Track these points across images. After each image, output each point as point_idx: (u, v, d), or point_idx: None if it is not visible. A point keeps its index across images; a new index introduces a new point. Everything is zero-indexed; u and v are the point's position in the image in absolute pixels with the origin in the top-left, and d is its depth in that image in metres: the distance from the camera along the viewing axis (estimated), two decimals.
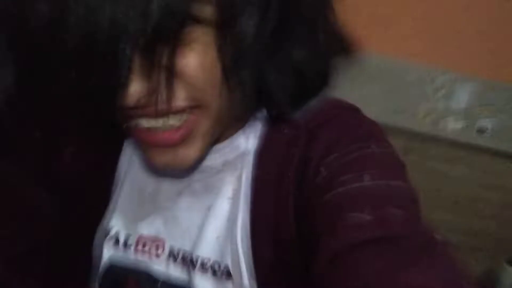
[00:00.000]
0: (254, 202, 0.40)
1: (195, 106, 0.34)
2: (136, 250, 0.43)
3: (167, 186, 0.44)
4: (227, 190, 0.42)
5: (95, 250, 0.44)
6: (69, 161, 0.44)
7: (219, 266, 0.40)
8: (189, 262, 0.41)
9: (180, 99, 0.32)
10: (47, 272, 0.43)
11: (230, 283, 0.39)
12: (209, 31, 0.31)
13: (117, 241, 0.44)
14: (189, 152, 0.36)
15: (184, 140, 0.35)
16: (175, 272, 0.42)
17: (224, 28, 0.31)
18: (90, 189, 0.45)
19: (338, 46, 0.41)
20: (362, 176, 0.36)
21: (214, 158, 0.43)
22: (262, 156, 0.41)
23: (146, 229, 0.43)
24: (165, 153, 0.36)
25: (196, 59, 0.31)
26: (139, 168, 0.46)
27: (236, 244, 0.40)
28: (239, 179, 0.42)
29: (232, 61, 0.33)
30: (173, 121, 0.34)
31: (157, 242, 0.43)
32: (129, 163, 0.46)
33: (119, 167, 0.46)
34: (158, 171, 0.45)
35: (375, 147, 0.39)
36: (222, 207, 0.42)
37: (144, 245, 0.43)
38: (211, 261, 0.40)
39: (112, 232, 0.44)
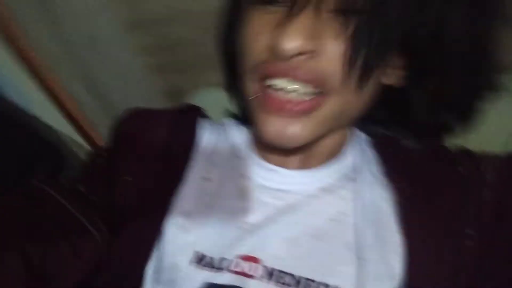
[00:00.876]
0: (405, 223, 0.40)
1: (322, 90, 0.37)
2: (228, 270, 0.39)
3: (259, 211, 0.43)
4: (331, 212, 0.42)
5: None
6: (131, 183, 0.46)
7: (327, 287, 0.38)
8: (288, 281, 0.38)
9: (317, 72, 0.36)
10: None
11: None
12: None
13: (210, 265, 0.40)
14: (301, 130, 0.38)
15: (302, 114, 0.38)
16: None
17: (373, 20, 0.35)
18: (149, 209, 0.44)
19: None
20: None
21: (314, 183, 0.44)
22: (397, 175, 0.43)
23: (239, 248, 0.40)
24: (280, 122, 0.38)
25: (341, 46, 0.35)
26: (228, 192, 0.45)
27: (356, 266, 0.38)
28: (345, 199, 0.43)
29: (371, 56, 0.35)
30: (301, 93, 0.37)
31: (250, 261, 0.40)
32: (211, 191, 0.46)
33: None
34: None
35: None
36: (325, 228, 0.41)
37: (236, 265, 0.40)
38: (316, 280, 0.38)
39: (207, 259, 0.41)
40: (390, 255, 0.38)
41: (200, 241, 0.41)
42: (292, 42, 0.34)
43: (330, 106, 0.38)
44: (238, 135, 0.51)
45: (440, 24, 0.37)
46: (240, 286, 0.37)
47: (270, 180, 0.45)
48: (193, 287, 0.38)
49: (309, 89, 0.37)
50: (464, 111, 0.46)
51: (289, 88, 0.37)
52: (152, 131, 0.49)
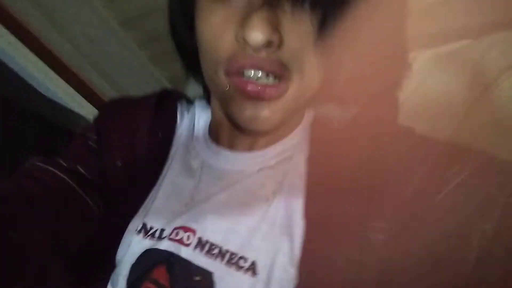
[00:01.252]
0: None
1: (286, 78, 0.40)
2: (169, 239, 0.44)
3: (205, 185, 0.48)
4: (265, 192, 0.46)
5: (123, 245, 0.47)
6: (120, 168, 0.52)
7: (245, 261, 0.41)
8: (217, 253, 0.43)
9: (282, 62, 0.39)
10: (75, 266, 0.47)
11: (250, 278, 0.41)
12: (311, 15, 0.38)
13: (152, 235, 0.46)
14: (271, 114, 0.42)
15: (271, 100, 0.41)
16: (200, 261, 0.43)
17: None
18: (133, 190, 0.50)
19: None
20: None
21: (255, 164, 0.48)
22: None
23: (180, 221, 0.46)
24: (254, 108, 0.41)
25: (309, 28, 0.39)
26: (180, 171, 0.50)
27: (275, 243, 0.41)
28: (281, 183, 0.46)
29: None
30: (271, 79, 0.40)
31: (188, 232, 0.45)
32: (169, 168, 0.51)
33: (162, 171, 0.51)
34: (195, 171, 0.50)
35: None
36: (258, 206, 0.45)
37: (176, 234, 0.45)
38: (238, 255, 0.42)
39: (147, 228, 0.47)
40: (295, 238, 0.41)
41: (149, 213, 0.48)
42: (260, 34, 0.36)
43: (293, 91, 0.42)
44: (202, 118, 0.56)
45: None
46: (175, 252, 0.43)
47: (217, 161, 0.50)
48: (136, 254, 0.45)
49: (275, 77, 0.40)
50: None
51: (259, 77, 0.40)
52: (137, 119, 0.55)
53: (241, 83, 0.41)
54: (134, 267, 0.45)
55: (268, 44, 0.37)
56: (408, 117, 0.53)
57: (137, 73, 1.00)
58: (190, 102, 0.61)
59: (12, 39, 0.91)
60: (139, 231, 0.47)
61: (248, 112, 0.42)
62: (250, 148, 0.50)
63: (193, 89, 0.64)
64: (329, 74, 0.42)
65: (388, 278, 0.38)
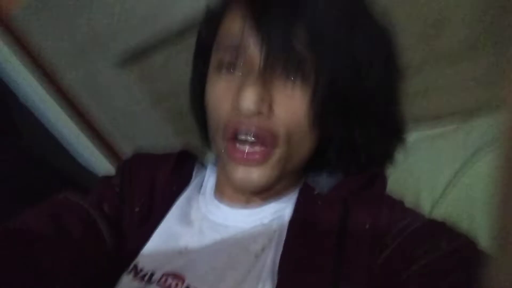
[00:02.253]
0: (282, 262, 0.45)
1: (273, 143, 0.46)
2: (158, 284, 0.47)
3: (202, 236, 0.52)
4: (256, 248, 0.49)
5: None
6: (138, 213, 0.57)
7: None
8: None
9: (270, 129, 0.45)
10: None
11: None
12: (307, 86, 0.45)
13: (141, 277, 0.49)
14: (260, 175, 0.47)
15: (259, 163, 0.46)
16: None
17: (320, 83, 0.45)
18: (140, 234, 0.55)
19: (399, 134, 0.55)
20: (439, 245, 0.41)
21: (251, 221, 0.52)
22: (295, 224, 0.49)
23: (171, 267, 0.49)
24: (244, 171, 0.46)
25: (299, 101, 0.45)
26: (177, 220, 0.55)
27: None
28: (271, 240, 0.49)
29: (323, 112, 0.46)
30: (257, 148, 0.46)
31: (177, 280, 0.47)
32: (167, 216, 0.56)
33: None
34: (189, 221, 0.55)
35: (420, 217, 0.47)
36: (246, 261, 0.48)
37: (165, 281, 0.47)
38: None
39: (138, 269, 0.50)
40: None
41: (141, 255, 0.51)
42: (251, 105, 0.43)
43: (278, 156, 0.47)
44: (211, 179, 0.61)
45: (370, 87, 0.48)
46: None
47: (215, 215, 0.54)
48: None
49: (262, 143, 0.45)
50: (380, 158, 0.55)
51: (249, 140, 0.45)
52: (158, 171, 0.62)
53: (231, 149, 0.46)
54: None
55: (258, 113, 0.44)
56: (391, 191, 0.57)
57: (163, 145, 1.11)
58: (203, 165, 0.68)
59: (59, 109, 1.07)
60: (129, 272, 0.50)
61: (239, 175, 0.47)
62: (247, 205, 0.54)
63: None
64: None
65: None
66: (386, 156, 0.56)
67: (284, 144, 0.47)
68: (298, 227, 0.48)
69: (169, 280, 0.47)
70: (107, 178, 0.63)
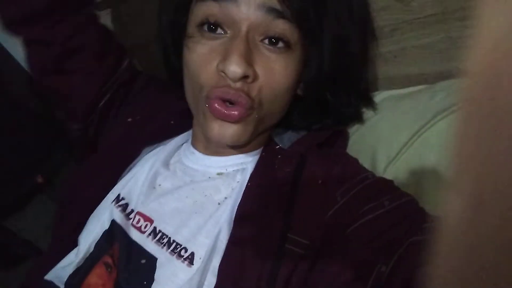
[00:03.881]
0: (238, 212, 0.49)
1: (253, 105, 0.49)
2: (132, 224, 0.54)
3: (173, 177, 0.57)
4: (219, 196, 0.53)
5: (102, 208, 0.56)
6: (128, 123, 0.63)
7: (186, 251, 0.49)
8: (165, 242, 0.50)
9: (256, 89, 0.48)
10: None
11: (187, 268, 0.48)
12: (295, 54, 0.49)
13: (123, 209, 0.55)
14: (236, 132, 0.50)
15: (236, 122, 0.49)
16: (149, 247, 0.51)
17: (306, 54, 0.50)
18: (121, 154, 0.61)
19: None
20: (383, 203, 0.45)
21: (217, 167, 0.56)
22: (255, 176, 0.53)
23: (144, 208, 0.54)
24: (221, 127, 0.49)
25: (282, 69, 0.49)
26: (161, 162, 0.59)
27: (215, 241, 0.48)
28: (234, 190, 0.53)
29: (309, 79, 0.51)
30: (237, 107, 0.48)
31: (147, 221, 0.53)
32: (153, 155, 0.60)
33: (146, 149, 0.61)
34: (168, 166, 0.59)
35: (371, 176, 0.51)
36: (209, 208, 0.52)
37: (138, 221, 0.53)
38: (181, 246, 0.50)
39: (122, 202, 0.56)
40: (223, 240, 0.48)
41: (126, 187, 0.57)
42: (238, 68, 0.44)
43: (254, 116, 0.50)
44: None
45: (346, 48, 0.52)
46: (132, 236, 0.52)
47: (188, 158, 0.59)
48: (105, 219, 0.54)
49: (243, 104, 0.48)
50: (348, 120, 0.58)
51: (231, 101, 0.48)
52: (166, 101, 0.67)
53: (212, 108, 0.48)
54: (105, 234, 0.54)
55: (244, 77, 0.46)
56: (351, 150, 0.60)
57: None
58: None
59: None
60: (113, 201, 0.56)
61: (215, 130, 0.50)
62: (216, 153, 0.58)
63: None
64: None
65: None
66: (353, 118, 0.59)
67: (261, 106, 0.50)
68: (258, 180, 0.52)
69: (141, 222, 0.53)
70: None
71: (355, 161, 0.55)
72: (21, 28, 0.61)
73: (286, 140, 0.57)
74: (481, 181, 0.14)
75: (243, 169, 0.56)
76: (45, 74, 0.64)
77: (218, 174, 0.56)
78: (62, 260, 0.54)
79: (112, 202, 0.56)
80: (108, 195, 0.57)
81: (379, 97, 0.65)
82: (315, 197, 0.48)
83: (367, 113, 0.62)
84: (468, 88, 0.14)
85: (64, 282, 0.51)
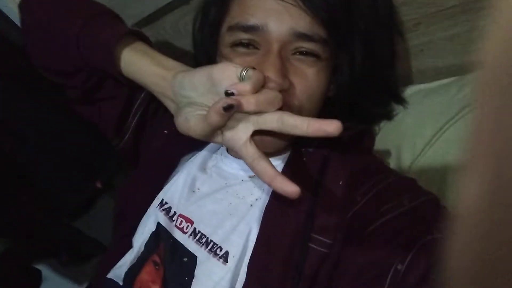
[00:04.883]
0: (265, 213, 0.52)
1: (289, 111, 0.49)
2: (175, 225, 0.58)
3: (211, 181, 0.61)
4: (251, 198, 0.56)
5: (150, 213, 0.61)
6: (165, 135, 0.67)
7: (221, 250, 0.53)
8: (204, 242, 0.55)
9: (291, 99, 0.51)
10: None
11: (222, 265, 0.51)
12: (326, 62, 0.52)
13: (166, 213, 0.60)
14: (273, 142, 0.51)
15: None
16: (190, 246, 0.55)
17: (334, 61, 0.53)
18: (163, 163, 0.66)
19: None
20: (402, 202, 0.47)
21: (248, 170, 0.57)
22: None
23: (185, 210, 0.58)
24: (259, 138, 0.48)
25: (313, 76, 0.51)
26: (198, 167, 0.63)
27: (246, 240, 0.52)
28: (264, 191, 0.56)
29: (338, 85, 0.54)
30: None
31: (188, 223, 0.58)
32: (190, 161, 0.65)
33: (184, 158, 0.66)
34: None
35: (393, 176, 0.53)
36: (242, 210, 0.56)
37: (180, 223, 0.58)
38: (217, 246, 0.53)
39: (166, 206, 0.61)
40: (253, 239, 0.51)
41: (168, 193, 0.62)
42: (275, 83, 0.46)
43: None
44: None
45: (375, 53, 0.54)
46: (175, 236, 0.57)
47: (223, 162, 0.62)
48: (152, 222, 0.60)
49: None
50: (377, 118, 0.60)
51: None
52: None
53: None
54: (152, 235, 0.59)
55: (280, 90, 0.47)
56: (376, 147, 0.62)
57: None
58: None
59: None
60: (157, 205, 0.61)
61: (257, 141, 0.49)
62: None
63: None
64: None
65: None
66: (383, 117, 0.60)
67: (299, 113, 0.51)
68: None
69: (183, 223, 0.58)
70: None
71: (379, 160, 0.57)
72: (45, 73, 0.66)
73: (312, 140, 0.60)
74: (500, 164, 0.14)
75: None
76: (73, 104, 0.69)
77: (250, 177, 0.60)
78: (120, 260, 0.61)
79: (157, 207, 0.61)
80: (154, 201, 0.63)
81: (407, 92, 0.66)
82: (337, 198, 0.51)
83: (395, 110, 0.63)
84: (487, 72, 0.14)
85: (122, 280, 0.59)
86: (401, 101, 0.63)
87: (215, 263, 0.53)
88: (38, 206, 0.85)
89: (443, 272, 0.18)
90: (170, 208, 0.61)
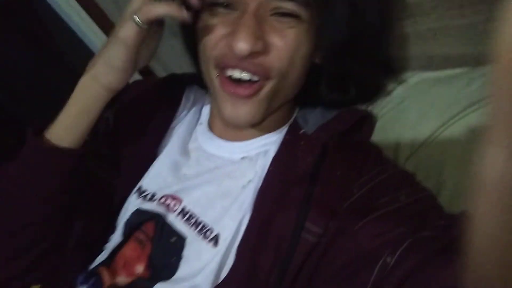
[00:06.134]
0: (258, 196, 0.51)
1: (265, 77, 0.48)
2: (158, 202, 0.55)
3: (196, 165, 0.59)
4: (244, 180, 0.54)
5: (125, 203, 0.58)
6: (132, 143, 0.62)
7: (211, 232, 0.51)
8: (193, 222, 0.53)
9: (264, 66, 0.48)
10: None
11: (211, 248, 0.50)
12: (307, 23, 0.48)
13: (144, 197, 0.57)
14: (249, 110, 0.50)
15: (249, 98, 0.49)
16: (179, 226, 0.53)
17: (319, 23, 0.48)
18: (138, 159, 0.61)
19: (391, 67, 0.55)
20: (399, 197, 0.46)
21: (240, 152, 0.57)
22: (277, 161, 0.53)
23: (170, 190, 0.55)
24: (233, 105, 0.49)
25: (294, 36, 0.48)
26: (177, 150, 0.60)
27: (239, 224, 0.50)
28: (256, 173, 0.54)
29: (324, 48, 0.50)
30: (248, 80, 0.48)
31: (175, 200, 0.55)
32: (167, 145, 0.61)
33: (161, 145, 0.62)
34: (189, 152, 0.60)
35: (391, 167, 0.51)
36: (234, 191, 0.54)
37: (165, 200, 0.55)
38: (208, 227, 0.52)
39: (143, 190, 0.58)
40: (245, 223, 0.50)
41: (146, 179, 0.59)
42: (244, 44, 0.44)
43: (268, 89, 0.49)
44: (208, 106, 0.64)
45: (363, 17, 0.49)
46: (161, 214, 0.55)
47: (209, 145, 0.59)
48: (129, 212, 0.57)
49: (255, 77, 0.48)
50: (371, 91, 0.57)
51: (240, 76, 0.48)
52: (145, 97, 0.66)
53: (223, 82, 0.49)
54: (127, 223, 0.57)
55: (252, 53, 0.45)
56: (376, 136, 0.59)
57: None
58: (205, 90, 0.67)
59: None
60: (135, 192, 0.59)
61: (228, 110, 0.50)
62: (237, 138, 0.58)
63: None
64: None
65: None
66: (379, 91, 0.57)
67: (275, 77, 0.49)
68: (279, 165, 0.53)
69: (169, 200, 0.56)
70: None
71: (378, 151, 0.55)
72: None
73: (311, 123, 0.57)
74: None
75: (266, 152, 0.56)
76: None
77: (242, 158, 0.57)
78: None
79: (135, 194, 0.58)
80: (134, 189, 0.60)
81: (412, 79, 0.63)
82: (333, 189, 0.49)
83: (398, 97, 0.60)
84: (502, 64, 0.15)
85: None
86: (399, 79, 0.58)
87: (204, 246, 0.51)
88: None
89: (467, 251, 0.19)
90: (146, 191, 0.58)
